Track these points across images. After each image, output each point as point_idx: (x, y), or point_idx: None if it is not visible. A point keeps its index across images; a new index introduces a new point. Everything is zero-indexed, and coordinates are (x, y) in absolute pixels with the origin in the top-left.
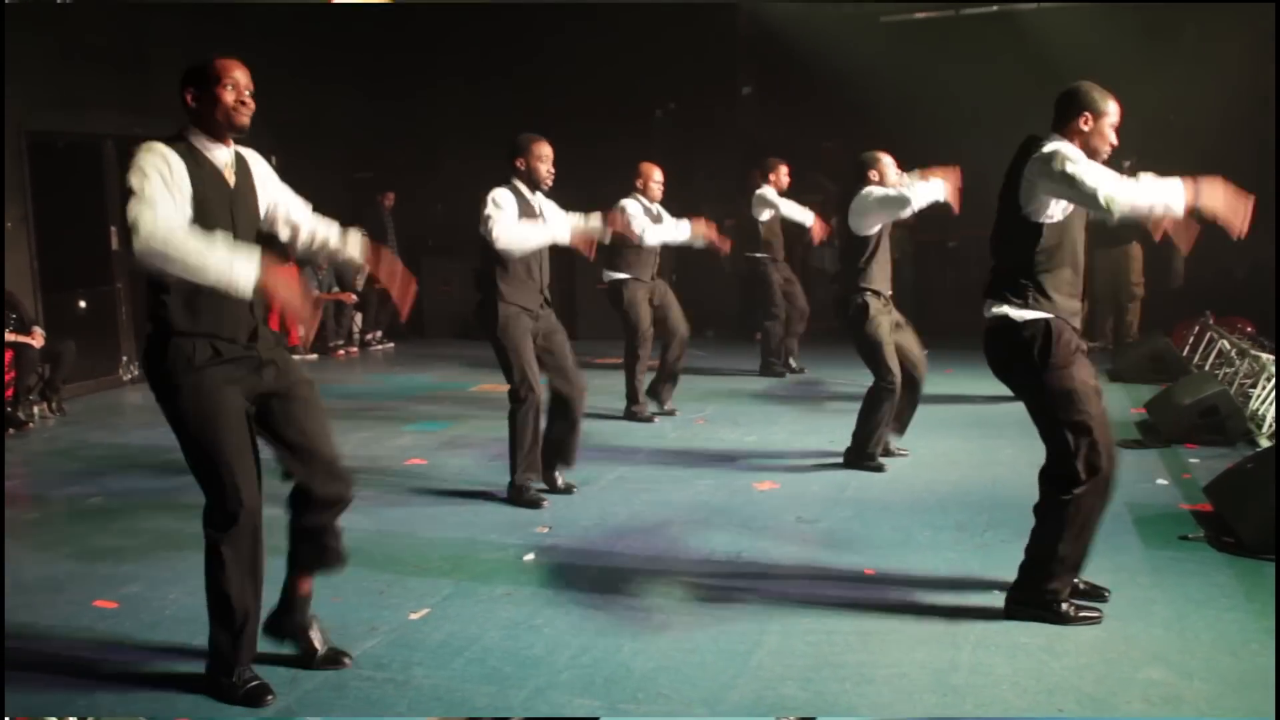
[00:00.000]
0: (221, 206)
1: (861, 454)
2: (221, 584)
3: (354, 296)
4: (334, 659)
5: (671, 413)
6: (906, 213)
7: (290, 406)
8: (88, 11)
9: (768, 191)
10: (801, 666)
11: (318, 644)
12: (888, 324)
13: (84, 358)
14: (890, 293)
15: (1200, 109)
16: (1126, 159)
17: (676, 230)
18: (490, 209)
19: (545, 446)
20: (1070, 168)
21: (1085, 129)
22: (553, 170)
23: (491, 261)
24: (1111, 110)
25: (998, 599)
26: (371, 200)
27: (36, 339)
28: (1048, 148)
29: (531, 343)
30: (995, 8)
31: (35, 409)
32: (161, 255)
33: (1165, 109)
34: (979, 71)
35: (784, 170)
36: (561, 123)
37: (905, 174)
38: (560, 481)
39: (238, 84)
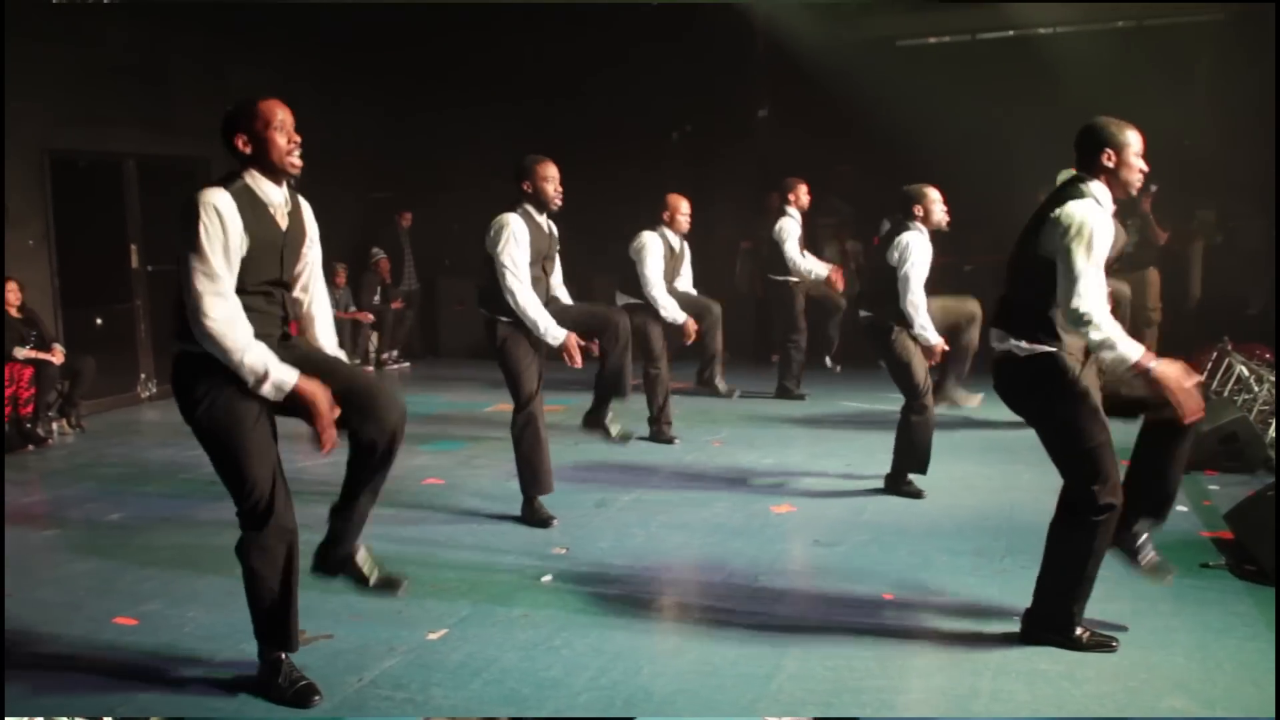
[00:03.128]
0: (273, 251)
1: (900, 480)
2: (258, 588)
3: (370, 316)
4: (389, 583)
5: (731, 393)
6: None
7: (314, 367)
8: (110, 31)
9: (789, 235)
10: (821, 692)
11: (367, 570)
12: (914, 345)
13: (103, 374)
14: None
15: (1214, 134)
16: (1151, 184)
17: (676, 312)
18: (506, 247)
19: (597, 391)
20: (1079, 265)
21: (1110, 165)
22: (560, 189)
23: (495, 280)
24: (1132, 140)
25: (1017, 625)
26: (389, 220)
27: (56, 356)
28: (1073, 213)
29: (533, 358)
30: (1011, 33)
31: (54, 425)
32: (219, 345)
33: (1179, 134)
34: (995, 96)
35: (804, 190)
36: (578, 145)
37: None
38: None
39: (285, 125)
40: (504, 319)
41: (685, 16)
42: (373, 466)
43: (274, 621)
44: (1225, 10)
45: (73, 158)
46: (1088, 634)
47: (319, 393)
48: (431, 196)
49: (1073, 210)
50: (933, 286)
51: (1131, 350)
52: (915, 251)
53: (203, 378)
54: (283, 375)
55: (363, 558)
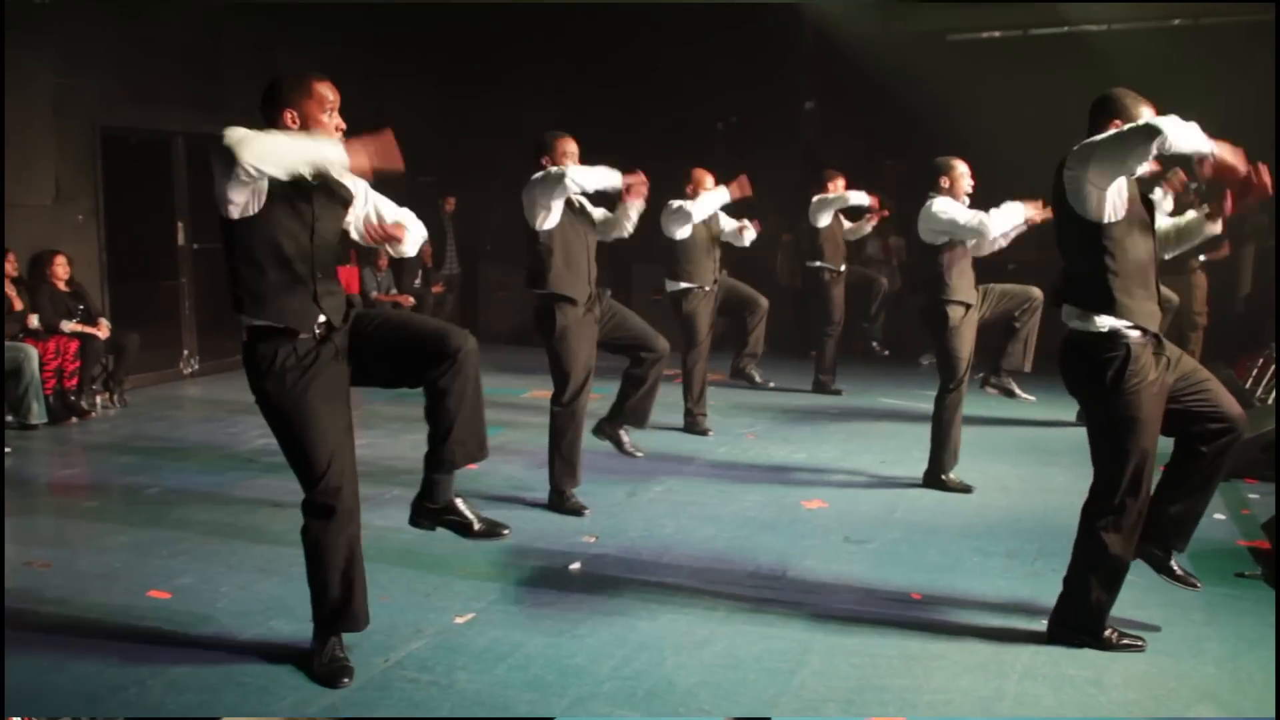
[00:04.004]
0: (304, 214)
1: (939, 474)
2: (322, 572)
3: (411, 299)
4: (491, 531)
5: (765, 383)
6: (974, 240)
7: (382, 328)
8: (162, 10)
9: (825, 198)
10: (845, 688)
11: (470, 515)
12: (970, 336)
13: (147, 350)
14: (977, 300)
15: (1268, 134)
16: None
17: (716, 199)
18: (537, 179)
19: (620, 407)
20: (1104, 136)
21: None
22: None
23: (541, 256)
24: (1145, 115)
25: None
26: (433, 204)
27: (102, 330)
28: (1074, 149)
29: (589, 350)
30: (1064, 28)
31: (98, 399)
32: (259, 154)
33: (1233, 134)
34: (1046, 92)
35: (840, 183)
36: (624, 134)
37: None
38: (575, 501)
39: (334, 108)
40: (561, 299)
41: (735, 7)
42: (446, 391)
43: (335, 606)
44: (1274, 10)
45: (124, 135)
46: (1115, 634)
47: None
48: (476, 181)
49: (1075, 149)
50: (980, 279)
51: (1200, 140)
52: (944, 206)
53: (274, 352)
54: (331, 152)
55: (463, 505)
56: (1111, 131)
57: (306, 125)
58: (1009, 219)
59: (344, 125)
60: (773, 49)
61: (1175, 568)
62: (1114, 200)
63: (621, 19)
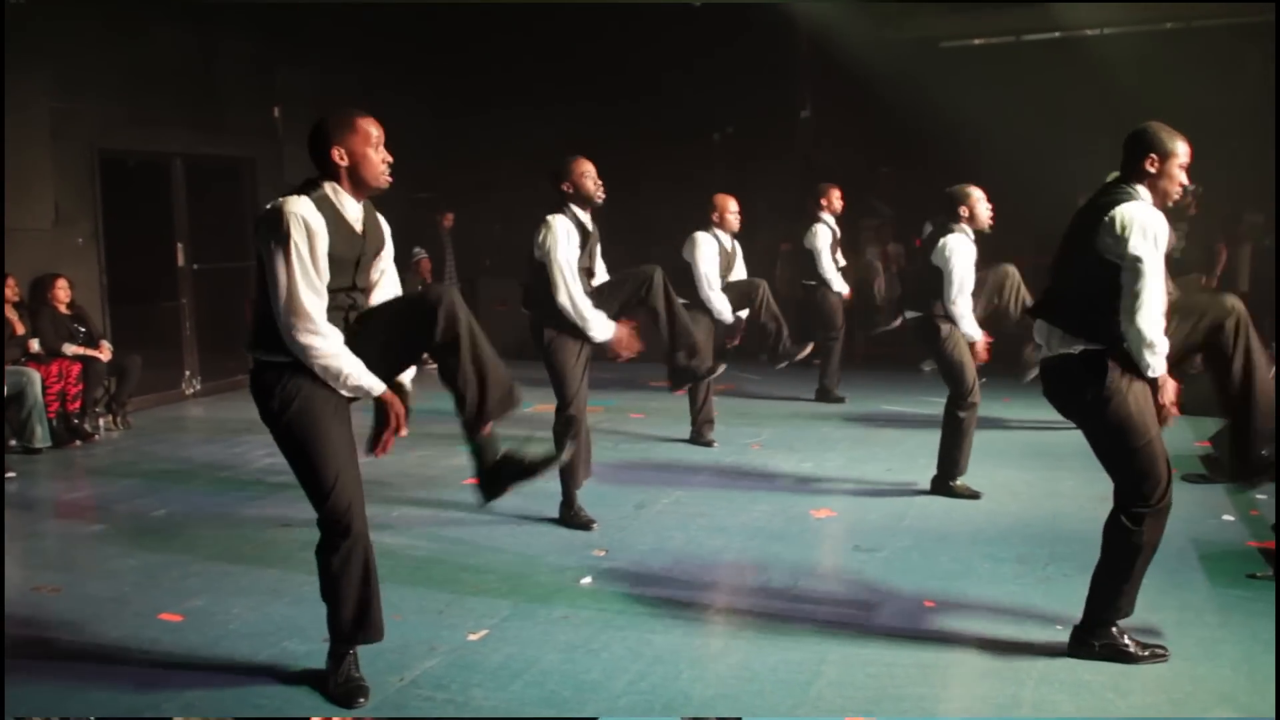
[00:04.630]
0: (347, 263)
1: (947, 480)
2: (338, 591)
3: None
4: (547, 459)
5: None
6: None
7: (362, 331)
8: (159, 31)
9: (822, 244)
10: (862, 699)
11: (521, 454)
12: (965, 344)
13: (149, 372)
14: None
15: (1263, 136)
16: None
17: (728, 312)
18: (558, 248)
19: (671, 344)
20: (1146, 273)
21: (1152, 170)
22: (600, 183)
23: (542, 282)
24: (1180, 151)
25: (1061, 634)
26: (432, 220)
27: (104, 353)
28: (1135, 214)
29: (579, 360)
30: (1057, 34)
31: (101, 422)
32: (314, 356)
33: (1228, 137)
34: (1040, 98)
35: (836, 195)
36: (620, 146)
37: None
38: (583, 515)
39: (380, 143)
40: (551, 322)
41: (729, 18)
42: (448, 350)
43: (353, 619)
44: (1274, 11)
45: (122, 157)
46: (1137, 645)
47: (396, 403)
48: (474, 197)
49: (1134, 211)
50: (977, 288)
51: (1157, 368)
52: (959, 255)
53: (283, 383)
54: (370, 382)
55: (508, 449)
56: (1156, 268)
57: (355, 161)
58: (970, 327)
59: (391, 158)
60: (767, 59)
61: None
62: None
63: (618, 33)
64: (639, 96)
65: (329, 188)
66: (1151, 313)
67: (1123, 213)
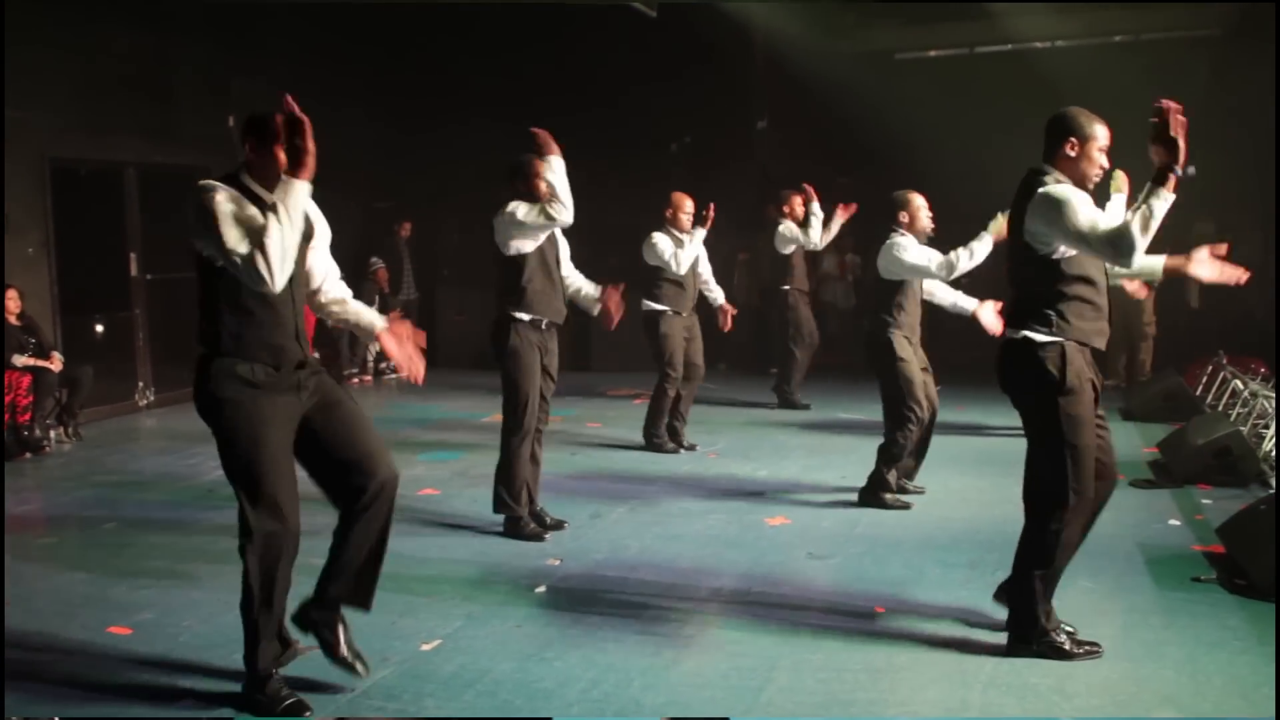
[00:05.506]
0: None
1: (878, 490)
2: (258, 592)
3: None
4: (353, 663)
5: (692, 448)
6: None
7: (333, 417)
8: (112, 39)
9: (787, 228)
10: (811, 704)
11: (342, 640)
12: (917, 362)
13: (101, 383)
14: (918, 335)
15: (1212, 147)
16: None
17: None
18: (518, 213)
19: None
20: (1083, 225)
21: (1072, 154)
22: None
23: (513, 275)
24: (1099, 134)
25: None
26: (389, 230)
27: (55, 364)
28: (1051, 191)
29: (538, 370)
30: (1009, 46)
31: (52, 433)
32: (264, 246)
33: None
34: (992, 108)
35: (798, 201)
36: (578, 156)
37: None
38: (549, 519)
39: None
40: (520, 317)
41: (684, 28)
42: (352, 528)
43: (266, 627)
44: (1222, 25)
45: (74, 166)
46: (1070, 642)
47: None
48: (432, 207)
49: (1051, 189)
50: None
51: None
52: (907, 249)
53: (227, 379)
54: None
55: (342, 630)
56: (1086, 220)
57: (262, 154)
58: (980, 254)
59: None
60: (724, 69)
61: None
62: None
63: (573, 43)
64: (596, 107)
65: (244, 177)
66: (1113, 232)
67: (1043, 192)
